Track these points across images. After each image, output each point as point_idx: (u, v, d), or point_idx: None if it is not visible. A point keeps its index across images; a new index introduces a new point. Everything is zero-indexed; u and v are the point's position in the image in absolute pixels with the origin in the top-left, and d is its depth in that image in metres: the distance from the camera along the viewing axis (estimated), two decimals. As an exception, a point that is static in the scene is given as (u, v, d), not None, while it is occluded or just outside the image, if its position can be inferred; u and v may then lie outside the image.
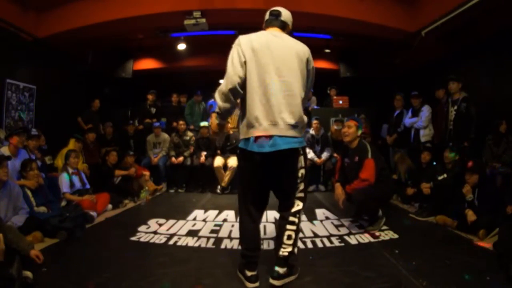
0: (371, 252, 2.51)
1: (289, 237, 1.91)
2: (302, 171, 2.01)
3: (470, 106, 4.02)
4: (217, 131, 1.98)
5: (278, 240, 1.97)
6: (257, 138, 1.78)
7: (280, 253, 1.90)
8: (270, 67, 1.78)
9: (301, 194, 2.00)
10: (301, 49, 1.88)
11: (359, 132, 3.13)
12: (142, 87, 6.70)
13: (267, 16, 2.01)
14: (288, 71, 1.80)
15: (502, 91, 4.27)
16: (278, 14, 1.97)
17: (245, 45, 1.80)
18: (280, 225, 1.99)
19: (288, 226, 1.93)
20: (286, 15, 2.00)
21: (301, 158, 2.00)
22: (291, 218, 1.94)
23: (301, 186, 2.01)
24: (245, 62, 1.78)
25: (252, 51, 1.78)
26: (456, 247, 2.60)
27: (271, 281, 1.91)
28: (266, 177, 1.90)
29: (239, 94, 1.81)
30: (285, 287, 1.94)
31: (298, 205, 1.97)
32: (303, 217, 3.52)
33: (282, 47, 1.84)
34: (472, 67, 4.85)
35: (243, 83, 1.80)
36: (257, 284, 1.91)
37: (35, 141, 4.02)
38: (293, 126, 1.81)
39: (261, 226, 3.08)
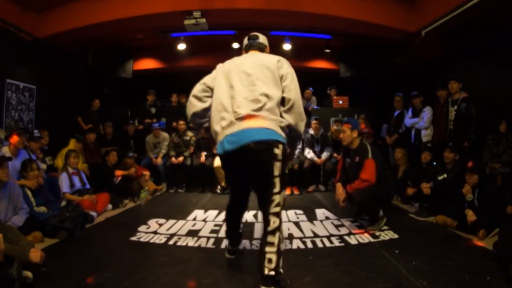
0: (371, 252, 2.51)
1: (269, 261, 1.68)
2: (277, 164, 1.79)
3: (470, 106, 4.01)
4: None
5: (260, 261, 1.72)
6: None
7: (266, 272, 1.67)
8: (236, 78, 1.91)
9: (277, 209, 1.75)
10: (269, 60, 1.96)
11: (356, 133, 3.14)
12: (142, 87, 6.69)
13: (245, 41, 2.19)
14: (256, 79, 1.87)
15: (502, 91, 4.26)
16: (256, 37, 2.16)
17: (219, 69, 2.04)
18: (260, 248, 1.78)
19: (267, 249, 1.70)
20: (262, 38, 2.19)
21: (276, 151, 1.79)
22: (270, 239, 1.71)
23: (277, 194, 1.77)
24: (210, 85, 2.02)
25: (222, 71, 1.99)
26: (456, 247, 2.60)
27: None
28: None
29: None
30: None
31: (275, 222, 1.73)
32: (303, 217, 3.53)
33: (252, 61, 1.98)
34: (472, 67, 4.84)
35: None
36: (232, 256, 2.33)
37: (37, 143, 4.04)
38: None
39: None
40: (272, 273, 1.67)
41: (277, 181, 1.77)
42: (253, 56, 2.05)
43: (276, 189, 1.76)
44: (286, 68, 1.93)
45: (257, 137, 1.75)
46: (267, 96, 1.83)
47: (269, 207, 1.75)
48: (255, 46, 2.13)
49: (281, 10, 4.52)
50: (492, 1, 3.71)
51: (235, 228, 2.30)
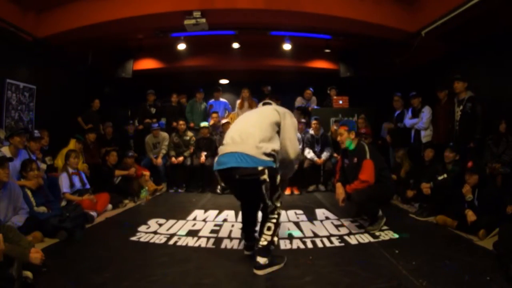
0: (371, 252, 2.52)
1: (268, 228, 2.12)
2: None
3: (475, 106, 3.95)
4: None
5: (259, 233, 2.24)
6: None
7: (260, 243, 2.12)
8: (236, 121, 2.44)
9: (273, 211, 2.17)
10: (270, 108, 2.41)
11: (353, 134, 3.14)
12: (142, 87, 6.69)
13: None
14: (252, 121, 2.28)
15: (502, 91, 4.26)
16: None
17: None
18: (262, 220, 2.29)
19: (269, 220, 2.15)
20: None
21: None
22: (271, 215, 2.16)
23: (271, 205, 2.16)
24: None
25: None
26: (456, 247, 2.60)
27: (254, 271, 2.09)
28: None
29: None
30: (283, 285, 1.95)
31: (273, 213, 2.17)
32: (303, 217, 3.53)
33: (254, 111, 2.48)
34: (472, 67, 4.83)
35: None
36: (249, 252, 2.39)
37: (37, 143, 4.03)
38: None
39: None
40: (265, 243, 2.09)
41: (266, 196, 2.10)
42: (258, 108, 2.54)
43: (269, 203, 2.13)
44: (288, 119, 2.30)
45: (241, 163, 2.05)
46: (254, 133, 2.15)
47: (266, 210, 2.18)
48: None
49: (281, 10, 4.51)
50: (491, 1, 3.71)
51: (250, 223, 2.44)
